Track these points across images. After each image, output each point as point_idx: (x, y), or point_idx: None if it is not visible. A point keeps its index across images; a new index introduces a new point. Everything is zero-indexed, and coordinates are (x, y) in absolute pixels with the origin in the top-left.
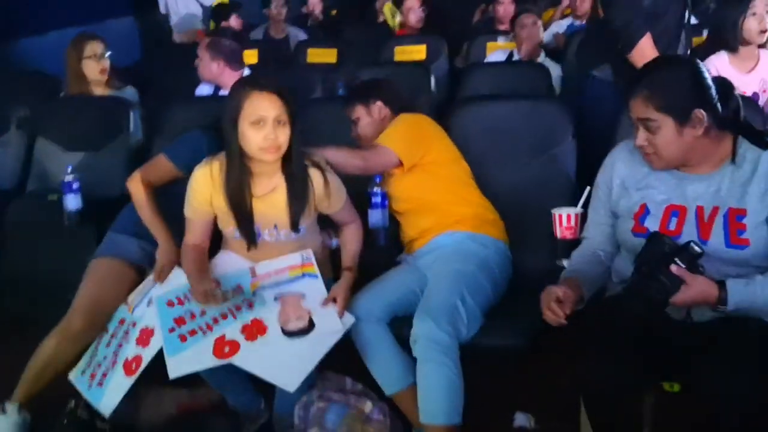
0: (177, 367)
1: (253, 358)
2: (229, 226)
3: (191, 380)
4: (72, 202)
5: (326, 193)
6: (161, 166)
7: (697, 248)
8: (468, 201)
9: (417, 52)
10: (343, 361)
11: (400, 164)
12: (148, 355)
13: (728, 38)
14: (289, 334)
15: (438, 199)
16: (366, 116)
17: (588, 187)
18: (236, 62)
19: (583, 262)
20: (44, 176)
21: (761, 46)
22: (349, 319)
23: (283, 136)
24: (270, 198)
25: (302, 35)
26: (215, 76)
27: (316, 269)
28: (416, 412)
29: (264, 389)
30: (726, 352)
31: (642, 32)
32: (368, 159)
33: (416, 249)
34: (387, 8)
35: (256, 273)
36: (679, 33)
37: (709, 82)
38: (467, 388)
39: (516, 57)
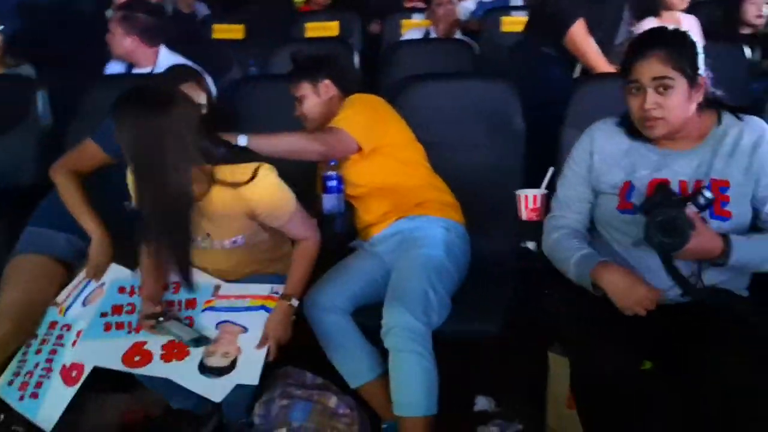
0: (83, 353)
1: (161, 372)
2: None
3: (136, 385)
4: None
5: (258, 211)
6: (89, 152)
7: (708, 194)
8: (427, 184)
9: (330, 28)
10: (297, 353)
11: (359, 149)
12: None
13: (651, 6)
14: (204, 369)
15: (397, 183)
16: (312, 95)
17: (551, 168)
18: (152, 38)
19: (584, 243)
20: None
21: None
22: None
23: None
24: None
25: (205, 10)
26: (128, 52)
27: None
28: (386, 404)
29: None
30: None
31: (574, 18)
32: (329, 144)
33: (373, 235)
34: None
35: (219, 293)
36: (620, 16)
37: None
38: None
39: (433, 35)
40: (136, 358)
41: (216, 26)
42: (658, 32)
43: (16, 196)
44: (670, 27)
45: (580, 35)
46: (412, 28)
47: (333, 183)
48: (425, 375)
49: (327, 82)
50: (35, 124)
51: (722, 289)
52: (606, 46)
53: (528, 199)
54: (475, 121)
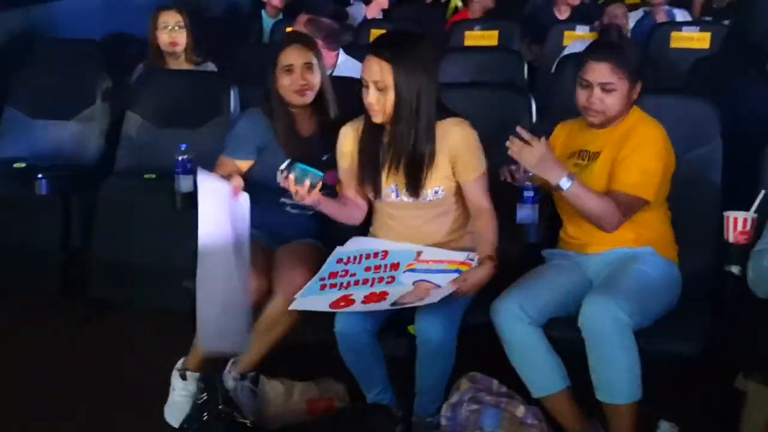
0: (300, 304)
1: (359, 308)
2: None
3: (322, 376)
4: (185, 183)
5: (461, 153)
6: (227, 167)
7: None
8: (663, 220)
9: (489, 37)
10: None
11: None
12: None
13: None
14: (395, 304)
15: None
16: (623, 89)
17: (763, 191)
18: (334, 42)
19: None
20: (137, 154)
21: None
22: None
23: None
24: None
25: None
26: None
27: None
28: (571, 415)
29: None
30: None
31: None
32: (626, 218)
33: (591, 253)
34: None
35: (419, 258)
36: None
37: None
38: None
39: None
40: (341, 304)
41: (374, 31)
42: None
43: None
44: None
45: None
46: (577, 41)
47: (530, 194)
48: (635, 363)
49: (639, 87)
50: (226, 120)
51: None
52: None
53: (738, 222)
54: (674, 136)
